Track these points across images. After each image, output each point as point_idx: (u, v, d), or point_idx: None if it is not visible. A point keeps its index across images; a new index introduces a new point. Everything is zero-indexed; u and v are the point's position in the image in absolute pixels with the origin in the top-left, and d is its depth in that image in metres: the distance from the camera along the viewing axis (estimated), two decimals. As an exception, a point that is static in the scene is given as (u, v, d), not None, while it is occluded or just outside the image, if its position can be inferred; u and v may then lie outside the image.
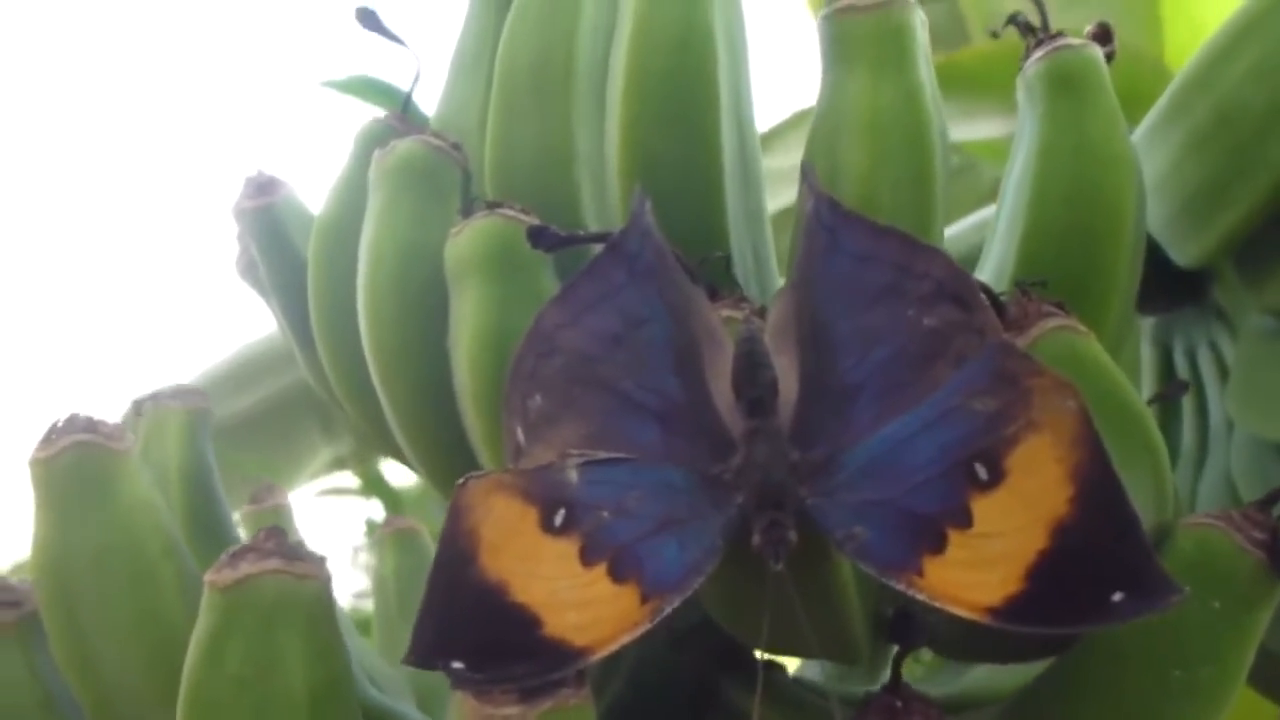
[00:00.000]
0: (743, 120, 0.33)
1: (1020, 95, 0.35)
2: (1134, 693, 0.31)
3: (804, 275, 0.28)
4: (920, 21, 0.32)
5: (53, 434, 0.35)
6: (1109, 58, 0.37)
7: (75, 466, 0.34)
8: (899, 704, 0.30)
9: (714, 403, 0.27)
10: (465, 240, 0.31)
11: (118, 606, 0.33)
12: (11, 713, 0.34)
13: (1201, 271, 0.50)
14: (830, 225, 0.28)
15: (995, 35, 0.35)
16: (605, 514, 0.26)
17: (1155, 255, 0.47)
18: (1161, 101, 0.42)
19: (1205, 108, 0.39)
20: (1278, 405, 0.43)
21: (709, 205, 0.32)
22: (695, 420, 0.27)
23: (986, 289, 0.30)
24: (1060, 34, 0.35)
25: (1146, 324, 0.57)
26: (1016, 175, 0.34)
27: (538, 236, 0.29)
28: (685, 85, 0.31)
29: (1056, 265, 0.33)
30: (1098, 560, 0.25)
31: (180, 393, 0.45)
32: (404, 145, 0.35)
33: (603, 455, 0.27)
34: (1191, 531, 0.32)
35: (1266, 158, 0.38)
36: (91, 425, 0.35)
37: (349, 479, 1.59)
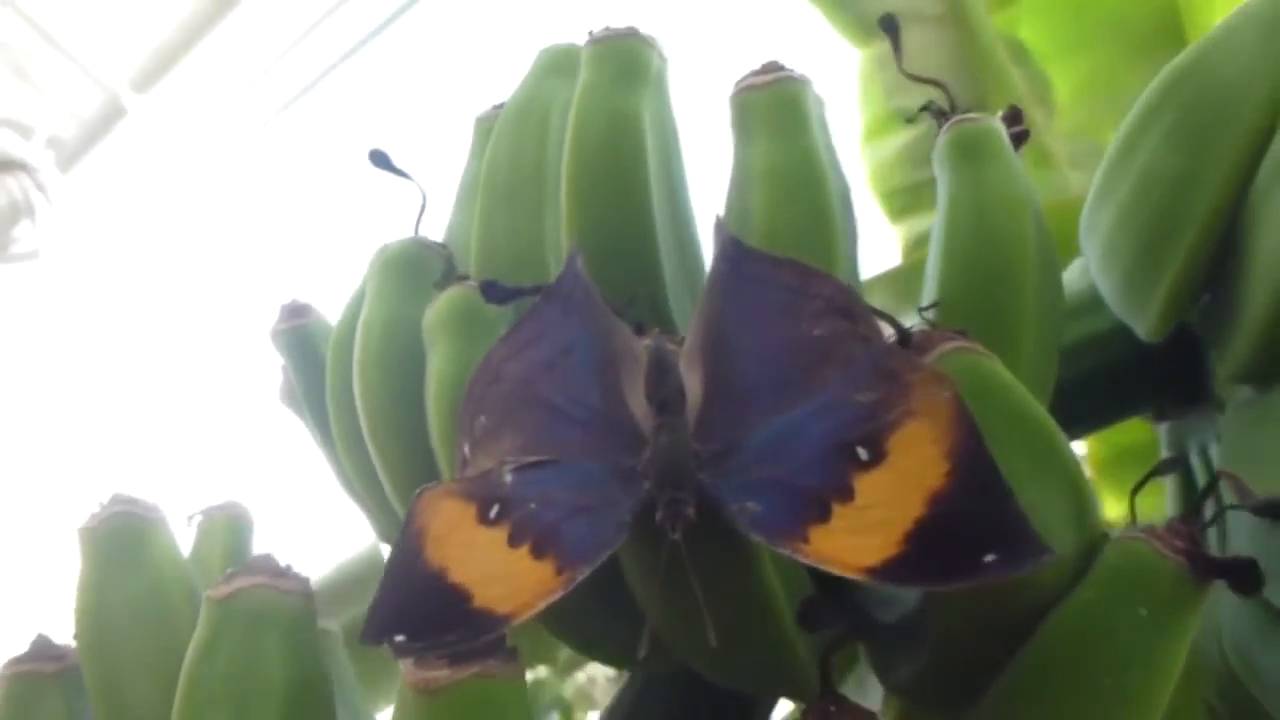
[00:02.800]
0: (674, 191, 0.39)
1: (935, 169, 0.40)
2: (1068, 702, 0.33)
3: (710, 301, 0.34)
4: (812, 96, 0.38)
5: (97, 509, 0.41)
6: (1022, 136, 0.42)
7: (115, 531, 0.41)
8: (832, 708, 0.32)
9: (630, 410, 0.32)
10: (437, 308, 0.38)
11: (145, 646, 0.39)
12: None
13: (1199, 366, 0.52)
14: (734, 258, 0.34)
15: (910, 120, 0.41)
16: (532, 505, 0.31)
17: (1141, 351, 0.50)
18: (1094, 185, 0.46)
19: (1128, 182, 0.43)
20: (1258, 466, 0.45)
21: (645, 261, 0.38)
22: (612, 424, 0.32)
23: (895, 322, 0.34)
24: (966, 112, 0.40)
25: (1162, 430, 0.59)
26: (934, 232, 0.39)
27: (489, 291, 0.35)
28: (616, 163, 0.38)
29: (969, 299, 0.37)
30: (972, 525, 0.29)
31: (226, 505, 0.51)
32: (395, 244, 0.42)
33: (532, 459, 0.32)
34: (1118, 545, 0.34)
35: (1186, 217, 0.42)
36: (130, 500, 0.42)
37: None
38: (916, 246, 1.19)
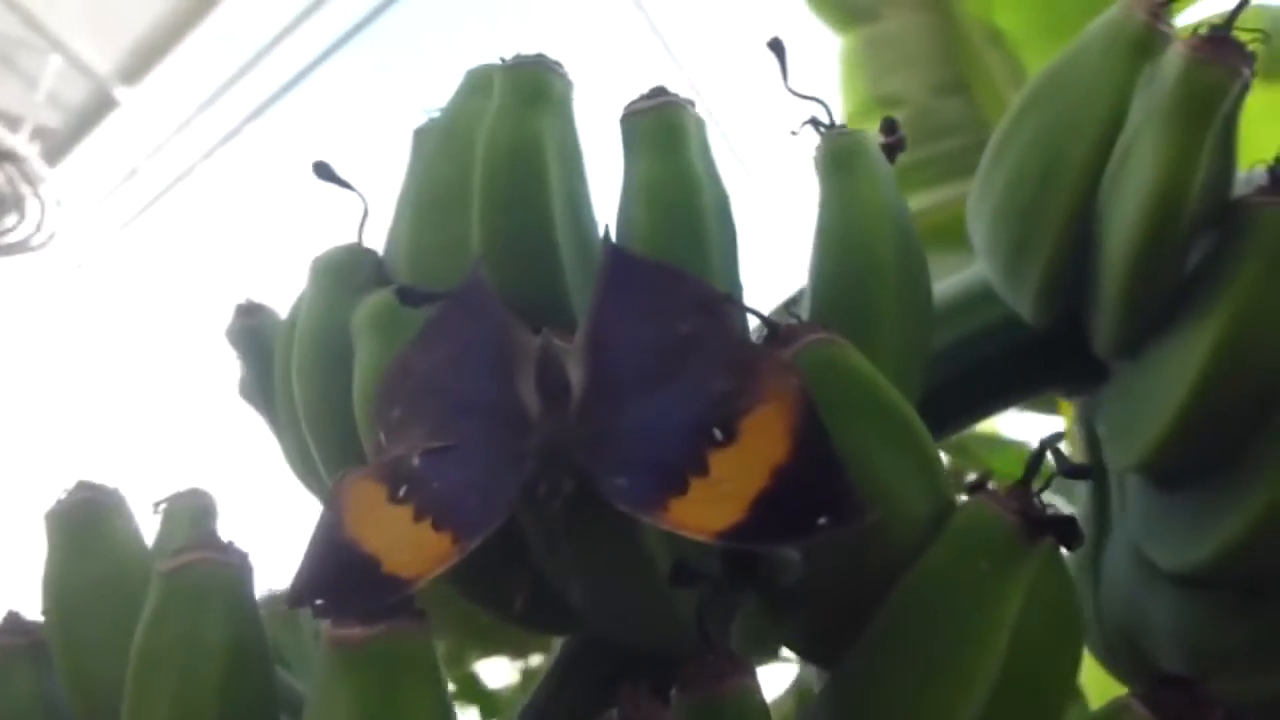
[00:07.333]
0: (576, 203, 0.44)
1: (816, 175, 0.45)
2: (916, 646, 0.38)
3: (594, 302, 0.39)
4: (692, 119, 0.43)
5: (61, 495, 0.46)
6: (898, 145, 0.47)
7: (77, 514, 0.46)
8: (710, 657, 0.37)
9: (522, 400, 0.37)
10: (362, 310, 0.43)
11: (105, 622, 0.44)
12: (20, 715, 0.43)
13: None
14: (613, 262, 0.39)
15: (794, 134, 0.45)
16: (434, 485, 0.36)
17: (1041, 335, 0.55)
18: (975, 180, 0.51)
19: (999, 180, 0.48)
20: (1122, 435, 0.50)
21: (546, 267, 0.42)
22: (506, 413, 0.37)
23: (765, 319, 0.39)
24: (842, 126, 0.45)
25: (1076, 405, 0.64)
26: (812, 235, 0.44)
27: (404, 295, 0.40)
28: (520, 181, 0.42)
29: (834, 297, 0.42)
30: (807, 494, 0.34)
31: (190, 493, 0.56)
32: (329, 250, 0.47)
33: (437, 445, 0.37)
34: (965, 508, 0.39)
35: (1047, 215, 0.47)
36: (92, 486, 0.47)
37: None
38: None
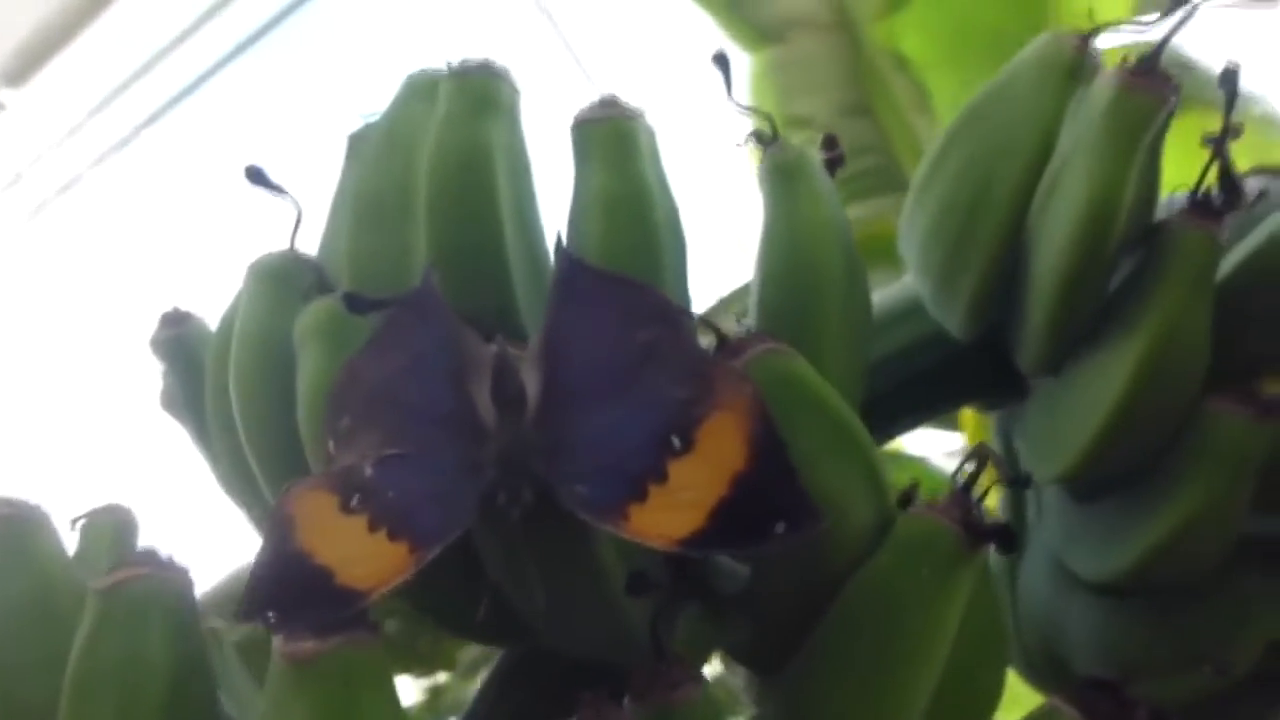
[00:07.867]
0: (525, 213, 0.44)
1: (760, 188, 0.46)
2: (860, 648, 0.39)
3: (551, 311, 0.39)
4: (644, 129, 0.43)
5: None
6: (837, 160, 0.48)
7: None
8: (662, 666, 0.37)
9: (477, 408, 0.37)
10: (305, 318, 0.42)
11: (33, 645, 0.42)
12: None
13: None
14: (570, 273, 0.39)
15: (739, 145, 0.46)
16: (389, 494, 0.35)
17: (965, 349, 0.57)
18: (906, 201, 0.53)
19: (932, 202, 0.50)
20: (1045, 449, 0.52)
21: (496, 276, 0.42)
22: (461, 421, 0.37)
23: (716, 329, 0.40)
24: (784, 141, 0.46)
25: (993, 419, 0.66)
26: (757, 247, 0.45)
27: (352, 302, 0.40)
28: (469, 189, 0.42)
29: (782, 308, 0.43)
30: (765, 501, 0.34)
31: (109, 508, 0.54)
32: (268, 256, 0.46)
33: (390, 453, 0.36)
34: (907, 518, 0.40)
35: (979, 237, 0.48)
36: (11, 502, 0.45)
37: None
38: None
